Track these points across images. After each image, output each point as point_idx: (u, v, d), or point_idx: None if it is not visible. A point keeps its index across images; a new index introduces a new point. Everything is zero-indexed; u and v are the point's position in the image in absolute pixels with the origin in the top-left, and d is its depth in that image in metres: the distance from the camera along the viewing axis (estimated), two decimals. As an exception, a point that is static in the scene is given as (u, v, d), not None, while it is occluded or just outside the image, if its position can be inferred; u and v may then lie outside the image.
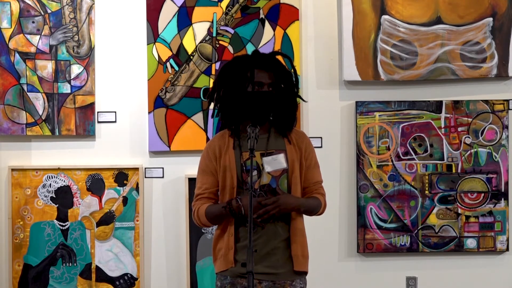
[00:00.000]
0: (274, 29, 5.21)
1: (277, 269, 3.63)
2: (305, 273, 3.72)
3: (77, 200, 5.19)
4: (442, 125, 5.24)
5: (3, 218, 5.20)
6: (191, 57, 5.21)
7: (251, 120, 3.62)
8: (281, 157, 3.64)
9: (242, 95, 3.66)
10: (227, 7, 5.21)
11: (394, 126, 5.23)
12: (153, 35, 5.18)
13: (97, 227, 5.20)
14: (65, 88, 5.19)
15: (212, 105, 3.79)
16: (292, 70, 3.77)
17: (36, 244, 5.18)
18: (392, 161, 5.23)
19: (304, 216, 3.75)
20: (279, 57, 3.77)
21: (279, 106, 3.68)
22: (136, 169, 5.19)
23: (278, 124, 3.72)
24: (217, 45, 5.21)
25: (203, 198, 3.73)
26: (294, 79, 3.75)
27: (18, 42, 5.17)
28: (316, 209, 3.73)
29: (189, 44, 5.21)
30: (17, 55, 5.17)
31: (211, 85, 5.19)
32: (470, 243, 5.26)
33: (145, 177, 5.21)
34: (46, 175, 5.18)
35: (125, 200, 5.19)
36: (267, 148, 3.68)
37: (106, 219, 5.20)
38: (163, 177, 5.23)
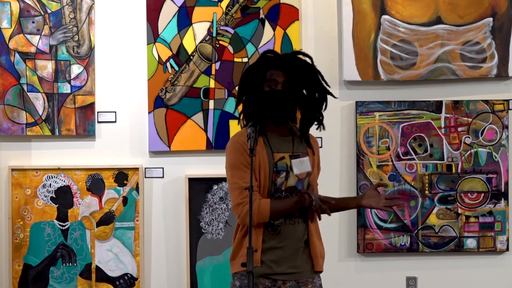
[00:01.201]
0: (274, 29, 5.21)
1: (299, 268, 3.68)
2: (321, 271, 3.77)
3: (77, 200, 5.19)
4: (442, 125, 5.24)
5: (3, 218, 5.20)
6: (191, 57, 5.21)
7: (271, 119, 3.67)
8: (306, 160, 3.69)
9: (259, 94, 3.69)
10: (227, 7, 5.21)
11: (394, 126, 5.23)
12: (153, 35, 5.18)
13: (97, 227, 5.20)
14: (65, 88, 5.19)
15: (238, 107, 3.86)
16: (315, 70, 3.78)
17: (36, 244, 5.18)
18: (392, 161, 5.23)
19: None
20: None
21: (296, 104, 3.70)
22: (136, 169, 5.18)
23: (300, 125, 3.74)
24: (217, 45, 5.21)
25: (255, 192, 3.60)
26: (315, 78, 3.73)
27: (18, 42, 5.17)
28: None
29: (189, 44, 5.21)
30: (17, 55, 5.17)
31: (211, 85, 5.20)
32: (470, 243, 5.26)
33: (145, 177, 5.21)
34: (46, 175, 5.18)
35: (125, 200, 5.19)
36: (294, 151, 3.70)
37: (106, 219, 5.20)
38: (163, 177, 5.23)
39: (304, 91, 3.71)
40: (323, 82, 3.77)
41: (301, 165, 3.67)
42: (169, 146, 5.19)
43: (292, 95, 3.67)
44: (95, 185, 5.19)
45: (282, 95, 3.66)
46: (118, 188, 5.19)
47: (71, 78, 5.18)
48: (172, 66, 5.20)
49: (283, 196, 3.66)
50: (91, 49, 5.18)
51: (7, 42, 5.16)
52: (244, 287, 3.63)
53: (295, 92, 3.68)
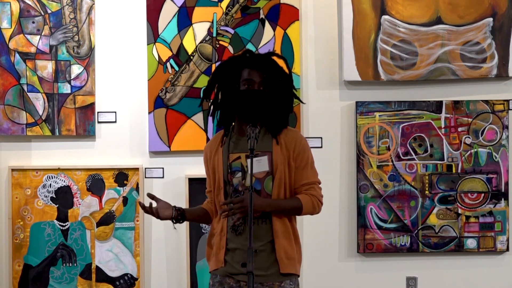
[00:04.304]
0: (274, 29, 5.21)
1: (264, 270, 3.62)
2: (296, 275, 3.68)
3: (77, 200, 5.19)
4: (442, 125, 5.24)
5: (3, 218, 5.20)
6: (191, 57, 5.21)
7: (249, 120, 3.61)
8: (264, 159, 3.63)
9: (234, 93, 3.66)
10: (227, 7, 5.21)
11: (394, 126, 5.23)
12: (153, 35, 5.19)
13: (97, 227, 5.20)
14: (65, 88, 5.19)
15: (209, 104, 3.85)
16: (288, 72, 3.75)
17: (36, 244, 5.18)
18: (392, 161, 5.23)
19: (304, 216, 3.74)
20: (277, 59, 3.76)
21: (271, 105, 3.66)
22: (136, 169, 5.19)
23: (269, 125, 3.69)
24: (217, 45, 5.22)
25: (206, 200, 3.88)
26: (289, 80, 3.71)
27: (18, 42, 5.17)
28: (295, 210, 3.65)
29: (189, 44, 5.21)
30: (17, 55, 5.17)
31: (211, 85, 5.21)
32: (470, 243, 5.26)
33: (145, 177, 5.21)
34: (46, 175, 5.18)
35: (125, 200, 5.20)
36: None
37: (106, 219, 5.20)
38: (163, 177, 5.23)
39: (278, 93, 3.67)
40: (293, 86, 3.75)
41: (257, 164, 3.62)
42: (169, 146, 5.20)
43: (268, 96, 3.64)
44: (95, 185, 5.19)
45: (259, 95, 3.63)
46: (118, 188, 5.19)
47: (71, 78, 5.18)
48: (172, 66, 5.20)
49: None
50: (91, 49, 5.18)
51: (7, 42, 5.16)
52: (212, 286, 3.71)
53: (271, 93, 3.65)
